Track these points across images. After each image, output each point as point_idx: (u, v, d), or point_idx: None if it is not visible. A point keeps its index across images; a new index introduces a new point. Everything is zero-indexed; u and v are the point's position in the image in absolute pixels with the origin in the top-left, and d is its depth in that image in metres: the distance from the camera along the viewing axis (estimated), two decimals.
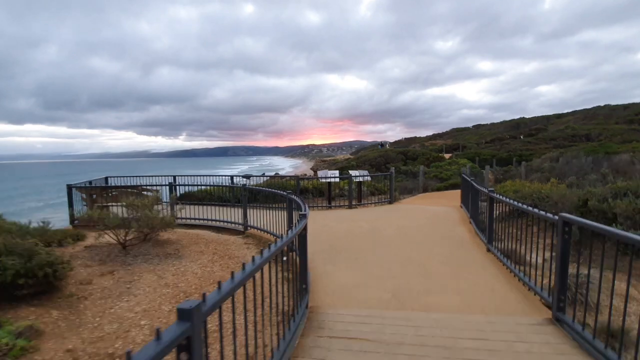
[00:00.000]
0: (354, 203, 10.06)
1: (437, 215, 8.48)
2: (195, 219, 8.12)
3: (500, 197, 4.71)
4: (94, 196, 8.70)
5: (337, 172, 10.66)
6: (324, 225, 7.55)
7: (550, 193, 5.95)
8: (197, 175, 11.58)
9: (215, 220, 7.89)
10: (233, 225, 7.62)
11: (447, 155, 32.70)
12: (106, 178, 12.51)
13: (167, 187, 8.30)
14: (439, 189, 15.48)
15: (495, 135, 47.37)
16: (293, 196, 5.20)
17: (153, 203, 5.14)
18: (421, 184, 13.55)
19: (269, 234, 6.55)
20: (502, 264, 4.71)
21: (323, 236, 6.58)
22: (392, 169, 10.63)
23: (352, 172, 10.65)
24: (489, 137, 53.72)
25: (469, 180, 7.61)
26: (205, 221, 8.02)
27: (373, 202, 10.46)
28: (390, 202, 10.52)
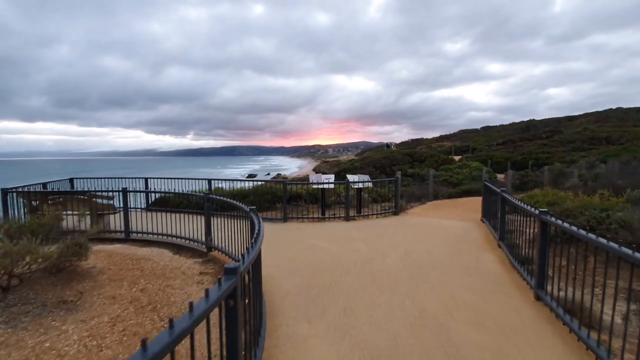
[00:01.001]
0: (351, 214, 8.40)
1: (454, 233, 6.79)
2: (151, 233, 6.54)
3: (572, 228, 3.01)
4: (35, 203, 7.16)
5: (332, 177, 9.00)
6: (311, 247, 5.91)
7: (629, 218, 4.22)
8: (170, 178, 10.03)
9: (174, 237, 6.30)
10: (195, 244, 6.03)
11: (456, 158, 30.87)
12: (71, 179, 11.02)
13: (121, 194, 6.71)
14: (450, 196, 13.74)
15: (508, 137, 45.28)
16: (254, 216, 3.57)
17: (51, 223, 3.58)
18: (431, 190, 11.82)
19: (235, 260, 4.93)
20: (568, 327, 3.03)
21: (306, 264, 4.94)
22: (398, 174, 8.95)
23: (350, 177, 8.99)
24: (499, 139, 51.63)
25: (498, 191, 5.92)
26: (164, 237, 6.44)
27: (375, 212, 8.80)
28: (395, 213, 8.84)
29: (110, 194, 7.21)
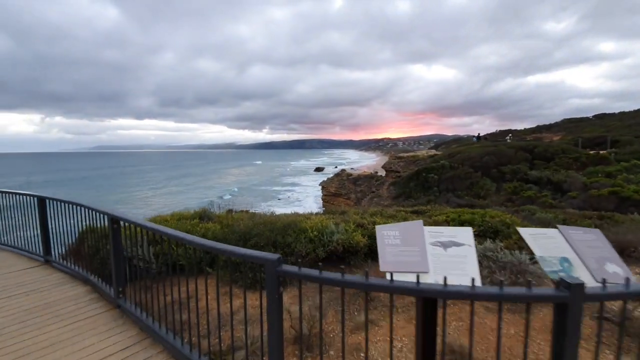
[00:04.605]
0: None
1: None
2: None
3: None
4: None
5: (429, 231, 2.12)
6: None
7: None
8: (69, 202, 4.62)
9: None
10: None
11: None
12: None
13: None
14: None
15: None
16: None
17: None
18: None
19: None
20: None
21: None
22: None
23: (528, 233, 2.44)
24: (624, 130, 37.72)
25: None
26: None
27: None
28: None
29: None
